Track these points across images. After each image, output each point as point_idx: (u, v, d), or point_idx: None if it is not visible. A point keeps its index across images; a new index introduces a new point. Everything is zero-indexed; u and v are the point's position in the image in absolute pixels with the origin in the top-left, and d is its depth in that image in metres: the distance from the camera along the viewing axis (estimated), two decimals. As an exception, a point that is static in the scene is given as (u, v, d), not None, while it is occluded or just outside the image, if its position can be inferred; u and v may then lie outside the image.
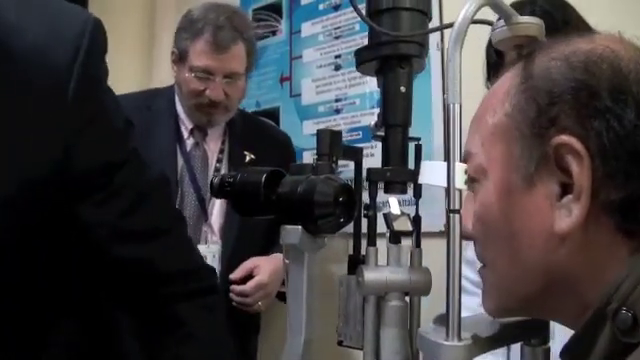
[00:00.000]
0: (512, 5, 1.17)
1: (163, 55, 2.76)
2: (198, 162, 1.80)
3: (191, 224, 1.67)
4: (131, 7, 2.73)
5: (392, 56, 0.69)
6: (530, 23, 0.60)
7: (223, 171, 1.80)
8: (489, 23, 0.62)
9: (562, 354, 0.58)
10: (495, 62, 1.18)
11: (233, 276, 1.70)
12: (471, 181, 0.62)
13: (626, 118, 0.53)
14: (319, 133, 0.69)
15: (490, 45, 1.17)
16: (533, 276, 0.57)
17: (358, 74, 2.09)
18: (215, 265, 1.64)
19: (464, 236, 0.65)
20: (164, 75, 2.70)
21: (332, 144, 0.69)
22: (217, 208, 1.78)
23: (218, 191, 0.75)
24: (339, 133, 0.70)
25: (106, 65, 0.93)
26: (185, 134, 1.81)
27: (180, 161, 1.77)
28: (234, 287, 1.69)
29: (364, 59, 0.72)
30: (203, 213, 1.76)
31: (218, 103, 1.73)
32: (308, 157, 2.18)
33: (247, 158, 1.80)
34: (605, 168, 0.53)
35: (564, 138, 0.53)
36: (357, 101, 2.13)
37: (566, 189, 0.54)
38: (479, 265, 0.63)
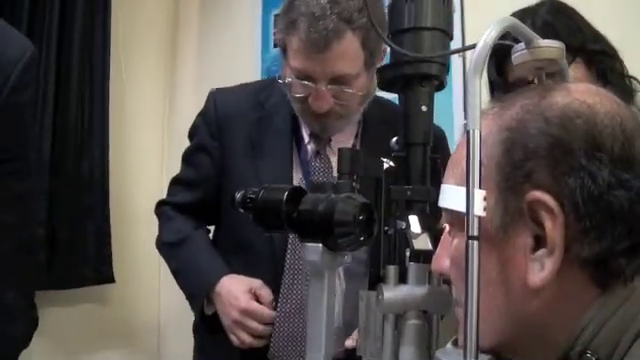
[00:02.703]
0: (513, 15, 1.18)
1: (186, 75, 2.79)
2: (319, 176, 1.39)
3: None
4: (154, 25, 2.75)
5: (414, 75, 0.70)
6: (551, 47, 0.60)
7: None
8: (509, 46, 0.62)
9: None
10: (496, 79, 1.17)
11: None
12: (450, 225, 0.63)
13: (600, 176, 0.53)
14: (340, 152, 0.70)
15: (491, 62, 1.15)
16: (506, 323, 0.58)
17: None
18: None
19: (441, 275, 0.66)
20: (186, 98, 2.74)
21: (353, 163, 0.70)
22: None
23: (240, 205, 0.76)
24: (359, 152, 0.71)
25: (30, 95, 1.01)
26: (305, 138, 1.40)
27: (298, 174, 1.39)
28: None
29: (386, 77, 0.73)
30: None
31: (327, 113, 1.30)
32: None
33: (385, 167, 1.48)
34: (578, 225, 0.53)
35: (538, 194, 0.54)
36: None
37: (540, 242, 0.55)
38: None
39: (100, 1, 2.33)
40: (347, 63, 1.25)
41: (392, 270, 0.68)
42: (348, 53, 1.25)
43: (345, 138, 1.39)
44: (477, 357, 0.52)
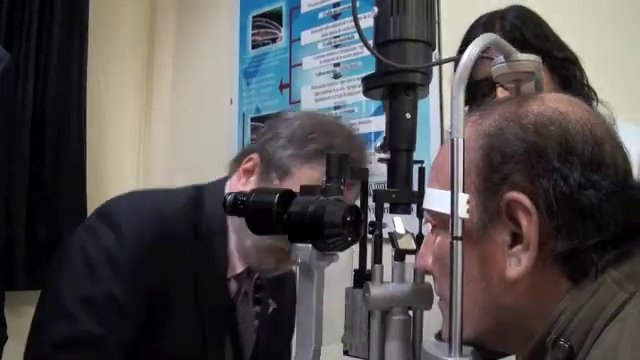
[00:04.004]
0: (482, 18, 1.22)
1: (163, 78, 2.80)
2: (246, 323, 1.26)
3: None
4: (131, 27, 2.76)
5: (398, 84, 0.74)
6: (528, 61, 0.64)
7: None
8: (490, 58, 0.66)
9: None
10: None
11: None
12: (433, 227, 0.68)
13: (571, 178, 0.57)
14: (329, 157, 0.73)
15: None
16: (485, 314, 0.62)
17: (357, 82, 2.18)
18: None
19: (424, 271, 0.70)
20: (163, 101, 2.74)
21: (341, 167, 0.74)
22: None
23: (232, 209, 0.79)
24: (347, 157, 0.74)
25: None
26: (229, 273, 1.20)
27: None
28: None
29: (371, 86, 0.76)
30: None
31: None
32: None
33: (270, 309, 1.34)
34: (552, 222, 0.58)
35: (515, 195, 0.58)
36: (356, 109, 2.17)
37: (516, 239, 0.59)
38: None
39: (77, 6, 2.33)
40: None
41: (378, 269, 0.72)
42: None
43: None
44: (461, 351, 0.56)
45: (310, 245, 0.71)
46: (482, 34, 0.61)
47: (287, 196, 0.75)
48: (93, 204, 2.39)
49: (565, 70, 1.21)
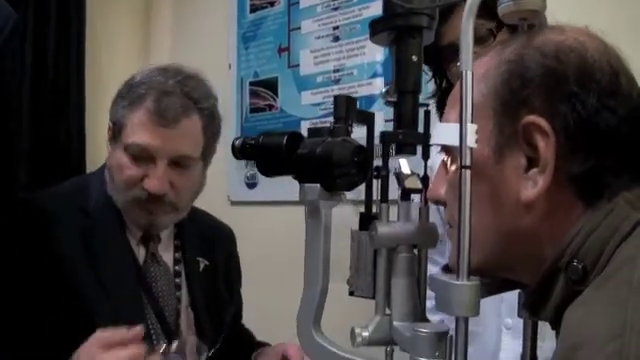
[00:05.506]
0: None
1: (160, 39, 2.78)
2: (161, 282, 1.33)
3: None
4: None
5: (404, 27, 0.74)
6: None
7: (184, 290, 1.37)
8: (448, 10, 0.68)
9: (524, 304, 0.66)
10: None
11: None
12: (447, 152, 0.70)
13: (589, 102, 0.59)
14: (336, 99, 0.75)
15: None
16: (498, 238, 0.64)
17: (356, 45, 2.18)
18: None
19: (435, 201, 0.72)
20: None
21: (348, 109, 0.75)
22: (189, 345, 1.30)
23: (240, 152, 0.81)
24: (355, 99, 0.76)
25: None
26: (133, 242, 1.32)
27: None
28: None
29: (378, 30, 0.77)
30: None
31: (160, 198, 1.24)
32: (305, 127, 2.23)
33: (201, 266, 1.42)
34: (568, 145, 0.60)
35: (533, 118, 0.60)
36: (355, 72, 2.18)
37: (532, 163, 0.61)
38: None
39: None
40: (190, 144, 1.26)
41: (385, 208, 0.74)
42: (193, 133, 1.26)
43: (166, 239, 1.38)
44: (469, 276, 0.58)
45: (318, 185, 0.73)
46: None
47: (295, 138, 0.76)
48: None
49: None
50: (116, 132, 1.27)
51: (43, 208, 1.26)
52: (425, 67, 1.26)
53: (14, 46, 1.04)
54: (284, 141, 0.76)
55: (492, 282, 0.66)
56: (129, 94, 1.25)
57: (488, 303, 1.17)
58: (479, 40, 0.96)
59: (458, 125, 0.57)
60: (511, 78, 0.62)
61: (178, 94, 1.23)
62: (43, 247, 1.21)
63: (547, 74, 0.61)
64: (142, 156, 1.23)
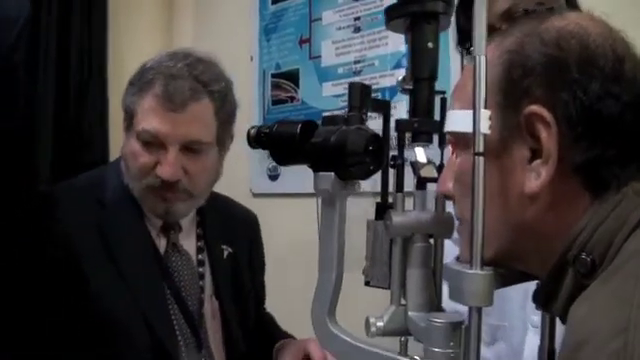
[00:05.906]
0: None
1: (183, 32, 2.79)
2: (183, 271, 1.31)
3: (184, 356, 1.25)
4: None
5: (420, 13, 0.73)
6: (552, -18, 0.64)
7: (207, 279, 1.35)
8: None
9: (534, 297, 0.65)
10: (464, 25, 1.19)
11: None
12: (453, 144, 0.68)
13: (591, 89, 0.57)
14: (351, 86, 0.74)
15: (460, 10, 1.18)
16: (505, 231, 0.62)
17: (377, 36, 2.16)
18: None
19: (444, 195, 0.71)
20: None
21: (363, 97, 0.74)
22: (212, 335, 1.32)
23: (255, 141, 0.80)
24: (369, 87, 0.75)
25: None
26: (153, 233, 1.29)
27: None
28: None
29: (393, 16, 0.76)
30: (196, 340, 1.28)
31: (174, 184, 1.21)
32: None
33: (225, 253, 1.40)
34: (571, 134, 0.58)
35: (535, 108, 0.58)
36: (376, 62, 2.16)
37: (535, 154, 0.59)
38: None
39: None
40: (201, 128, 1.22)
41: (400, 197, 0.73)
42: (203, 117, 1.22)
43: (188, 230, 1.35)
44: (482, 266, 0.57)
45: (332, 173, 0.72)
46: None
47: (310, 126, 0.76)
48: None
49: None
50: (128, 120, 1.25)
51: (58, 202, 1.25)
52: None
53: (29, 38, 1.05)
54: (298, 130, 0.75)
55: (508, 273, 0.65)
56: (139, 81, 1.23)
57: (515, 298, 1.16)
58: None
59: (471, 112, 0.56)
60: (512, 68, 0.61)
61: (186, 77, 1.20)
62: (57, 243, 1.19)
63: (548, 62, 0.59)
64: (153, 142, 1.20)
